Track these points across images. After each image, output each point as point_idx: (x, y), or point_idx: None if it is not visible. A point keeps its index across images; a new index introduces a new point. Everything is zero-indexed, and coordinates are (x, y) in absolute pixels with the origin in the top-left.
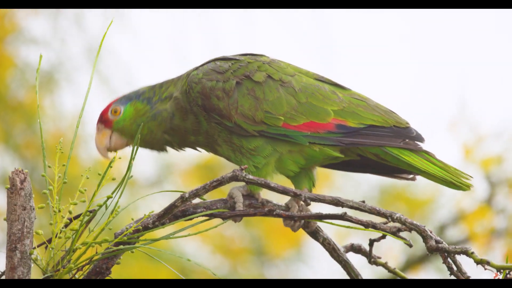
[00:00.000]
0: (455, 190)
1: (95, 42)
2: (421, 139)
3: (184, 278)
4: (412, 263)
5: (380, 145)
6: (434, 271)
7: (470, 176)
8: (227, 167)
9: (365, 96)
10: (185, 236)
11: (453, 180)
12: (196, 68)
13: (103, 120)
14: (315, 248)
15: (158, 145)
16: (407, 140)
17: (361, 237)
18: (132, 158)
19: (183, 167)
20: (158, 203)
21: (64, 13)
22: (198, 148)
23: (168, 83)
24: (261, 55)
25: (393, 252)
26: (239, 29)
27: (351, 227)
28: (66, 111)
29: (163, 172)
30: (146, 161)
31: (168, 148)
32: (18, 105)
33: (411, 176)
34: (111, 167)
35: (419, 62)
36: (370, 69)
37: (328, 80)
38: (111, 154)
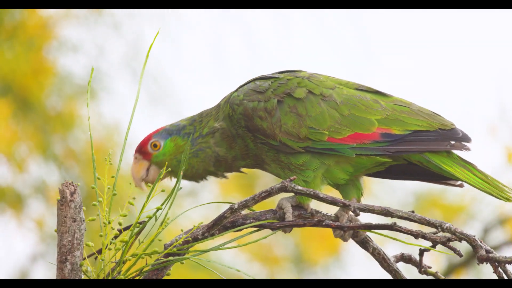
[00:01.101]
0: (496, 199)
1: (132, 49)
2: (467, 139)
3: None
4: (456, 268)
5: (426, 150)
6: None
7: (511, 189)
8: (264, 176)
9: (408, 101)
10: (235, 247)
11: (493, 193)
12: (236, 90)
13: (142, 152)
14: (354, 255)
15: (199, 178)
16: (453, 142)
17: (406, 247)
18: (181, 170)
19: None
20: (198, 213)
21: (102, 20)
22: (242, 169)
23: (208, 117)
24: (299, 71)
25: (433, 258)
26: (275, 30)
27: (398, 240)
28: (104, 120)
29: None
30: None
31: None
32: (57, 114)
33: (459, 182)
34: (160, 179)
35: (458, 64)
36: (407, 72)
37: (369, 89)
38: (145, 186)
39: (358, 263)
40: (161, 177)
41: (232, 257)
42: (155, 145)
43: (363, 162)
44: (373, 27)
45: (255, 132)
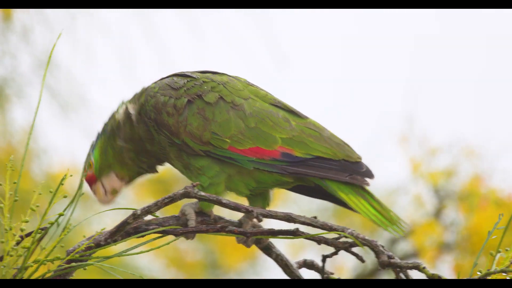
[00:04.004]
0: (388, 232)
1: (44, 56)
2: (370, 175)
3: None
4: (363, 276)
5: (323, 177)
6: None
7: (407, 224)
8: (180, 182)
9: (322, 126)
10: (138, 253)
11: (383, 226)
12: (155, 82)
13: (89, 181)
14: (269, 260)
15: (131, 160)
16: (354, 175)
17: (315, 252)
18: (83, 175)
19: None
20: (110, 217)
21: (12, 27)
22: (165, 164)
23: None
24: (221, 74)
25: (345, 266)
26: (188, 34)
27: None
28: (17, 126)
29: None
30: None
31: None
32: None
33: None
34: (62, 184)
35: (366, 76)
36: (317, 84)
37: (284, 106)
38: (116, 198)
39: (273, 269)
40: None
41: (148, 262)
42: (89, 165)
43: (264, 178)
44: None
45: (161, 126)
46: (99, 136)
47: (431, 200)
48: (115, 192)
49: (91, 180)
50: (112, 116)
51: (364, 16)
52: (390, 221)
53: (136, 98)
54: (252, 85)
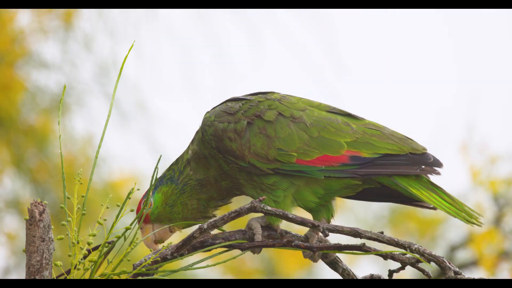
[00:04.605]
0: (464, 223)
1: (104, 64)
2: (438, 164)
3: None
4: None
5: (395, 174)
6: None
7: (480, 215)
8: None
9: (380, 125)
10: (204, 267)
11: (459, 217)
12: (208, 112)
13: (141, 218)
14: (326, 268)
15: (202, 210)
16: (423, 166)
17: (378, 263)
18: (150, 189)
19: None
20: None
21: (73, 36)
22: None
23: (181, 155)
24: (272, 92)
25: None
26: (243, 34)
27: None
28: (77, 135)
29: None
30: None
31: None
32: (29, 129)
33: (432, 205)
34: (129, 198)
35: (429, 81)
36: (376, 88)
37: (340, 111)
38: (160, 246)
39: (331, 275)
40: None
41: (205, 271)
42: (147, 205)
43: (333, 185)
44: (344, 43)
45: (225, 153)
46: (166, 181)
47: (491, 208)
48: (161, 242)
49: (144, 220)
50: (182, 165)
51: (423, 17)
52: (464, 212)
53: (195, 139)
54: (303, 98)
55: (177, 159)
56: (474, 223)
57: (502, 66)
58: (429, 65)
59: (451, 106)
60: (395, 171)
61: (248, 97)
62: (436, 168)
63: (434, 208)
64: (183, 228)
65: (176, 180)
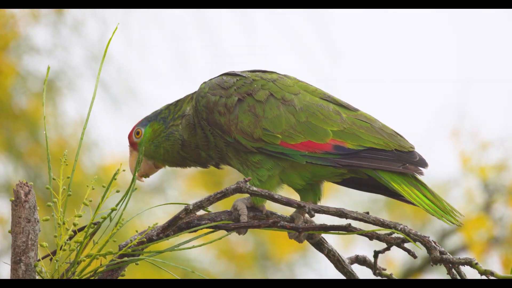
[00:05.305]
0: (442, 221)
1: (96, 49)
2: (423, 164)
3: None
4: (413, 271)
5: (376, 168)
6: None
7: (461, 215)
8: (230, 173)
9: (373, 117)
10: (190, 248)
11: (437, 215)
12: (205, 82)
13: (130, 143)
14: (320, 253)
15: (180, 163)
16: (407, 164)
17: (365, 245)
18: (136, 170)
19: (186, 172)
20: (162, 210)
21: (64, 20)
22: (210, 164)
23: (183, 100)
24: (271, 72)
25: (394, 261)
26: (242, 32)
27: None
28: (68, 119)
29: (167, 177)
30: None
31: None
32: (21, 113)
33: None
34: (115, 179)
35: (418, 71)
36: (370, 79)
37: (334, 100)
38: (144, 178)
39: (324, 260)
40: (139, 164)
41: (198, 254)
42: (137, 133)
43: (319, 170)
44: (340, 30)
45: (214, 126)
46: (159, 119)
47: (481, 194)
48: (146, 177)
49: (133, 146)
50: (178, 113)
51: (414, 15)
52: (444, 211)
53: (193, 100)
54: (301, 81)
55: (177, 102)
56: (453, 223)
57: (493, 59)
58: (428, 65)
59: (444, 93)
60: (377, 166)
61: (244, 74)
62: (421, 168)
63: (414, 204)
64: (168, 166)
65: (168, 123)
